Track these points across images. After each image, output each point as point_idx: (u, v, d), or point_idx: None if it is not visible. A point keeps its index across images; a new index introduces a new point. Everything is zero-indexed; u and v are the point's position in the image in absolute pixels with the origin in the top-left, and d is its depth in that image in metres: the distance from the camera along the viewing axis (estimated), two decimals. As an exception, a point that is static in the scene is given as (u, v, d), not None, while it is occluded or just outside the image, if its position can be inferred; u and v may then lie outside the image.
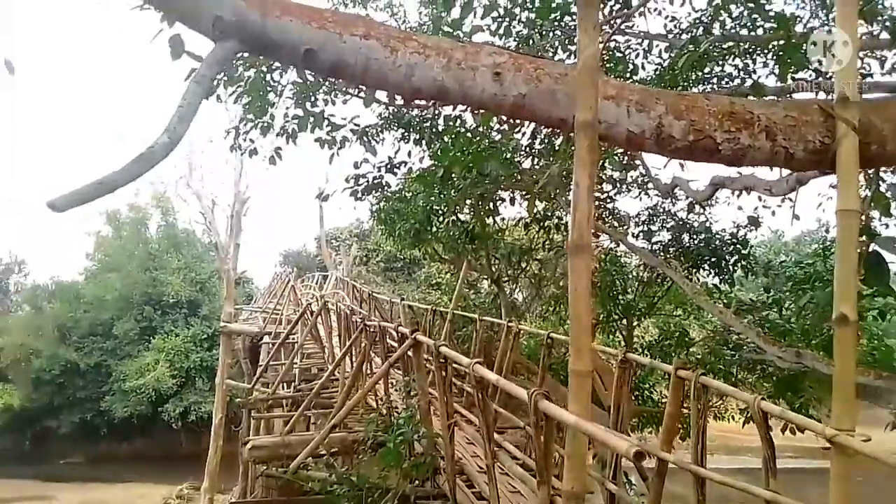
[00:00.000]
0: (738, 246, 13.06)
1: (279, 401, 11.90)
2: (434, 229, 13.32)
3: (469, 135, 10.05)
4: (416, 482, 5.90)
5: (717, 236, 13.17)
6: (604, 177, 13.49)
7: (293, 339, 13.89)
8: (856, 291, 3.19)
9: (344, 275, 27.77)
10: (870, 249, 5.10)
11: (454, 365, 5.45)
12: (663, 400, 13.12)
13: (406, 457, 5.76)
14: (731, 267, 13.14)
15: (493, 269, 14.05)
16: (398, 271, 34.92)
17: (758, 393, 4.52)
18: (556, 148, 10.37)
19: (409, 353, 6.11)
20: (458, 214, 13.49)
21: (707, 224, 13.46)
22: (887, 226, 7.46)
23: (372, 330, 8.29)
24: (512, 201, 12.23)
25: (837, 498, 3.01)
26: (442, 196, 11.92)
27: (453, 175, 9.39)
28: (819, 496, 3.02)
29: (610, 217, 14.27)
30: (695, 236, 13.26)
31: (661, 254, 13.23)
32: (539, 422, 3.29)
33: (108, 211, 36.98)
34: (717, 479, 4.20)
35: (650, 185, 13.18)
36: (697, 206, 13.10)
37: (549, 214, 13.54)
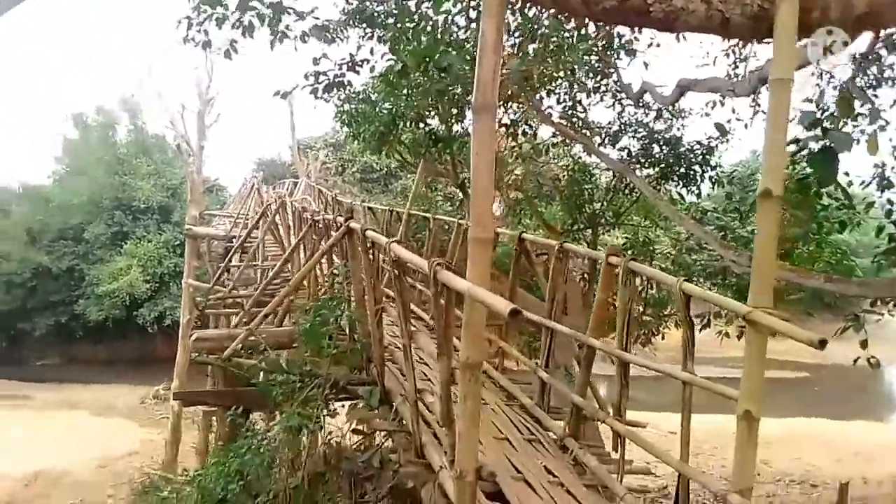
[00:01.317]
0: (705, 156, 12.93)
1: (239, 300, 11.88)
2: (399, 132, 12.99)
3: (430, 29, 9.61)
4: (354, 370, 5.93)
5: (685, 146, 13.01)
6: (576, 84, 13.14)
7: (253, 240, 13.79)
8: (783, 166, 3.09)
9: (312, 181, 27.49)
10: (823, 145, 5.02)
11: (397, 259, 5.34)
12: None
13: (333, 341, 5.75)
14: (698, 178, 13.06)
15: (458, 175, 13.84)
16: (374, 182, 34.54)
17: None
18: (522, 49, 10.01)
19: (346, 241, 6.04)
20: (426, 119, 13.13)
21: (677, 134, 13.27)
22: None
23: (320, 225, 8.19)
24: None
25: (750, 376, 3.00)
26: (408, 99, 11.53)
27: (410, 70, 9.01)
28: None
29: (581, 126, 13.98)
30: (664, 146, 13.08)
31: (630, 163, 13.08)
32: (439, 293, 3.23)
33: (73, 114, 35.82)
34: (638, 362, 4.22)
35: (623, 95, 12.89)
36: (666, 114, 12.88)
37: (518, 121, 13.25)
